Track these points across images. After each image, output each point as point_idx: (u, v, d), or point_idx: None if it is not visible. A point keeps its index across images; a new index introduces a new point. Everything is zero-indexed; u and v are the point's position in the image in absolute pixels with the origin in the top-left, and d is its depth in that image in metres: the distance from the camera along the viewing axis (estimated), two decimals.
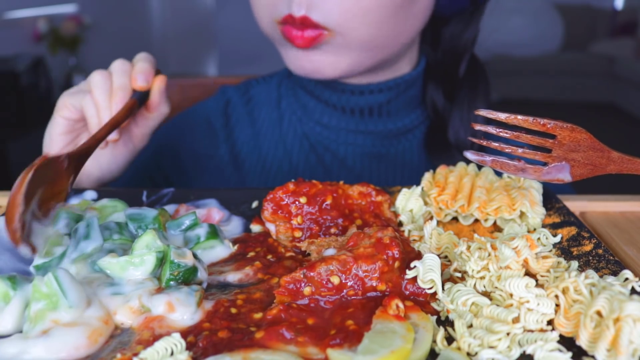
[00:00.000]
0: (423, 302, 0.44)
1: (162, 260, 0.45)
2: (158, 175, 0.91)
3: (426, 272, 0.43)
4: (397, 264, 0.44)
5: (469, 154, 0.49)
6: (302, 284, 0.43)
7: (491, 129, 0.49)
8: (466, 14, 0.84)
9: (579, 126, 0.48)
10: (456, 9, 0.82)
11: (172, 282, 0.44)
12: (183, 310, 0.41)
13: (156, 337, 0.39)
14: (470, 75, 0.86)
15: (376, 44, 0.74)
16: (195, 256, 0.47)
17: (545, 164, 0.49)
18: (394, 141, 0.84)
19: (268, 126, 0.88)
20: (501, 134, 0.49)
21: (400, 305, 0.41)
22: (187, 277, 0.45)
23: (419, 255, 0.47)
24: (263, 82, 0.93)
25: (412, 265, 0.44)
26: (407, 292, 0.44)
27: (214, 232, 0.52)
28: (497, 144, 0.50)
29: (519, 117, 0.48)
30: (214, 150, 0.89)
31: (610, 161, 0.49)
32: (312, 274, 0.43)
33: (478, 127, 0.50)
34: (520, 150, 0.49)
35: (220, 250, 0.52)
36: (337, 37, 0.72)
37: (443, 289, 0.44)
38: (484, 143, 0.50)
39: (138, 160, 0.87)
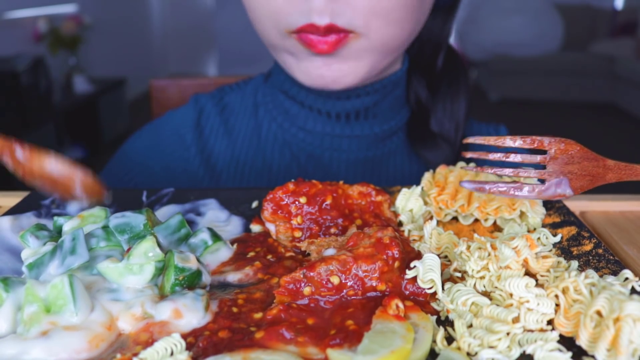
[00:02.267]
0: (423, 302, 0.44)
1: (161, 270, 0.45)
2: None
3: (426, 272, 0.43)
4: (397, 264, 0.44)
5: (466, 185, 0.48)
6: (302, 284, 0.43)
7: (482, 155, 0.49)
8: (446, 8, 0.84)
9: (568, 139, 0.48)
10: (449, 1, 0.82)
11: (177, 287, 0.44)
12: (191, 316, 0.41)
13: (154, 340, 0.39)
14: (449, 66, 0.86)
15: (395, 44, 0.73)
16: (197, 259, 0.46)
17: (543, 182, 0.49)
18: (379, 144, 0.83)
19: (245, 135, 0.85)
20: (491, 157, 0.48)
21: (400, 305, 0.41)
22: (192, 282, 0.45)
23: (419, 255, 0.47)
24: (237, 89, 0.90)
25: (412, 265, 0.44)
26: (407, 292, 0.44)
27: (216, 235, 0.52)
28: (491, 170, 0.49)
29: (508, 138, 0.48)
30: (186, 163, 0.85)
31: (607, 169, 0.49)
32: (312, 274, 0.43)
33: (469, 154, 0.49)
34: (513, 171, 0.48)
35: (225, 252, 0.51)
36: (360, 39, 0.69)
37: (443, 288, 0.44)
38: (478, 170, 0.49)
39: (107, 175, 0.85)
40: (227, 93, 0.90)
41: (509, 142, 0.48)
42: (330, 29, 0.67)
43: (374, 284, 0.43)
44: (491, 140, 0.48)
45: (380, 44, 0.71)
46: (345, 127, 0.81)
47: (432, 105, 0.84)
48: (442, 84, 0.85)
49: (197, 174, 0.85)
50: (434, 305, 0.43)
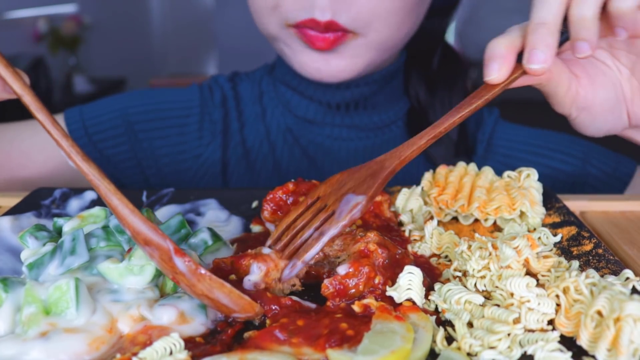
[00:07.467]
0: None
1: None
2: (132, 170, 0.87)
3: (404, 292, 0.42)
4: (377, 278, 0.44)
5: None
6: None
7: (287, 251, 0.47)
8: (444, 8, 0.86)
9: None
10: (448, 2, 0.85)
11: (177, 288, 0.44)
12: (195, 321, 0.41)
13: (152, 342, 0.39)
14: (448, 64, 0.88)
15: (391, 44, 0.75)
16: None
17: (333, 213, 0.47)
18: (379, 132, 0.85)
19: (253, 121, 0.87)
20: (298, 237, 0.47)
21: (373, 302, 0.41)
22: None
23: (404, 256, 0.47)
24: (246, 79, 0.92)
25: (388, 292, 0.43)
26: None
27: (216, 235, 0.52)
28: (301, 245, 0.47)
29: (290, 216, 0.49)
30: (203, 143, 0.86)
31: (380, 162, 0.49)
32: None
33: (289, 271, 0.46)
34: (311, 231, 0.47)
35: (225, 252, 0.51)
36: (358, 38, 0.71)
37: (434, 289, 0.44)
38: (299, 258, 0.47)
39: (106, 147, 0.84)
40: (243, 80, 0.92)
41: (291, 216, 0.49)
42: (330, 26, 0.68)
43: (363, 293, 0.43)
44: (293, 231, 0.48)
45: (377, 44, 0.73)
46: (345, 117, 0.83)
47: (431, 101, 0.85)
48: (440, 81, 0.87)
49: (212, 156, 0.86)
50: (425, 306, 0.43)
